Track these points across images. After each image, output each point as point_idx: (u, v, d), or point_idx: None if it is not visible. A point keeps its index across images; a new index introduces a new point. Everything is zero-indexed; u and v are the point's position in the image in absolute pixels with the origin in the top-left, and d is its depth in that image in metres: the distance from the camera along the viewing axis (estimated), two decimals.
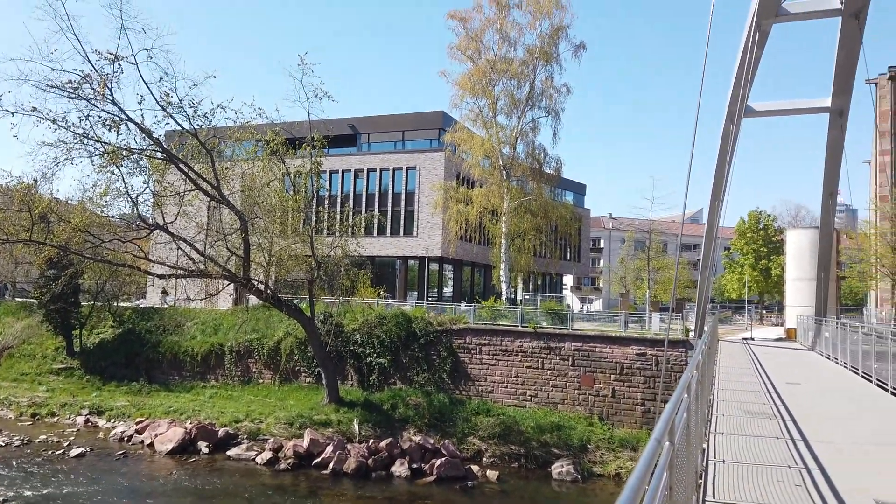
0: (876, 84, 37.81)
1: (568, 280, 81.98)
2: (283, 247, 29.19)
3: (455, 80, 40.21)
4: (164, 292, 44.28)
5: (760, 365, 19.46)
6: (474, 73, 39.25)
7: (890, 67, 37.32)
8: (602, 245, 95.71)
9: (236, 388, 34.07)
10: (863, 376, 16.30)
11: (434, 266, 46.95)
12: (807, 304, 31.10)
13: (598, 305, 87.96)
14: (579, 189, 69.43)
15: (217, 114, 25.05)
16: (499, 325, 31.92)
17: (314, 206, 40.12)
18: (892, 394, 13.40)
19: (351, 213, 35.36)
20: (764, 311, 70.08)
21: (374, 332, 32.10)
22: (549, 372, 29.96)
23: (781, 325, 42.18)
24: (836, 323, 21.52)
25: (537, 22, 39.16)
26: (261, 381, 34.48)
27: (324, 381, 30.16)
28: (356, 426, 27.64)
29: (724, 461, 7.61)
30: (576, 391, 29.30)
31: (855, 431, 9.92)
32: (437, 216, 42.96)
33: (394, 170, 46.41)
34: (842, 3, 15.91)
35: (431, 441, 26.66)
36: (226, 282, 29.07)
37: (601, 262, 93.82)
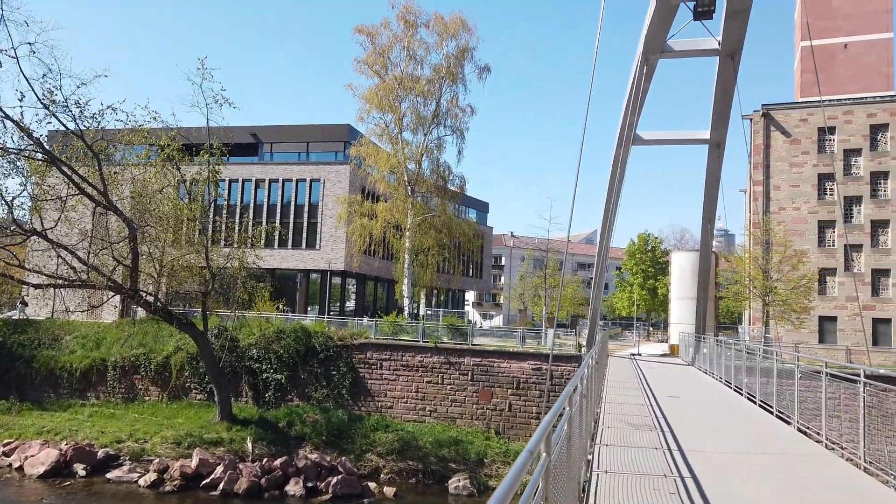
0: (751, 120, 41.25)
1: (470, 296, 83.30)
2: (176, 257, 27.86)
3: (362, 94, 40.27)
4: (23, 303, 40.65)
5: (645, 379, 20.55)
6: (381, 88, 39.42)
7: (763, 105, 40.82)
8: (503, 262, 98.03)
9: (119, 406, 32.05)
10: (735, 390, 17.57)
11: (337, 280, 46.36)
12: (688, 322, 33.23)
13: (498, 321, 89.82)
14: (482, 207, 70.92)
15: (107, 115, 23.70)
16: (400, 340, 31.93)
17: (211, 216, 38.66)
18: (760, 406, 14.53)
19: (251, 224, 34.29)
20: (651, 328, 74.04)
21: (271, 346, 31.23)
22: (448, 387, 30.25)
23: (666, 341, 44.78)
24: (713, 340, 23.13)
25: (444, 42, 39.97)
26: (147, 398, 32.63)
27: (216, 398, 28.96)
28: (249, 444, 26.69)
29: (606, 472, 7.99)
30: (474, 406, 29.73)
31: (725, 442, 10.69)
32: (340, 229, 42.53)
33: (297, 181, 45.58)
34: (719, 44, 17.38)
35: (328, 459, 26.18)
36: (111, 293, 27.39)
37: (502, 278, 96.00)
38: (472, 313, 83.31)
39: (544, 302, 55.24)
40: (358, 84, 41.45)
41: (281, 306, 37.77)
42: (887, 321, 37.36)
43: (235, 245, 30.89)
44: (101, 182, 24.61)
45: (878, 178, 38.61)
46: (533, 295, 65.41)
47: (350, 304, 48.23)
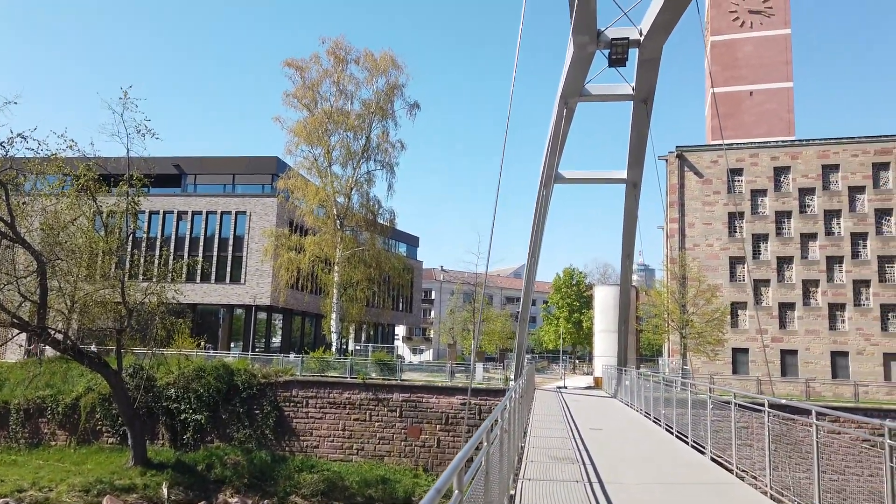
0: (666, 160, 43.44)
1: (400, 330, 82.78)
2: (89, 292, 26.53)
3: (290, 127, 40.05)
4: None
5: (569, 412, 20.92)
6: (311, 121, 39.34)
7: (677, 147, 43.10)
8: (434, 296, 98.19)
9: (22, 451, 29.87)
10: (654, 421, 18.12)
11: (262, 315, 45.24)
12: (611, 355, 34.16)
13: (428, 356, 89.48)
14: (413, 241, 71.17)
15: (17, 143, 22.58)
16: (327, 376, 31.35)
17: (129, 249, 37.09)
18: (677, 436, 15.03)
19: (171, 258, 33.04)
20: (577, 361, 75.56)
21: (190, 385, 29.99)
22: (376, 424, 29.82)
23: (591, 374, 45.81)
24: (634, 372, 23.85)
25: (374, 78, 40.43)
26: (53, 443, 30.58)
27: (129, 441, 27.43)
28: (165, 490, 25.35)
29: None
30: (402, 443, 29.38)
31: (643, 473, 11.00)
32: (266, 263, 41.69)
33: (222, 213, 44.55)
34: (633, 89, 18.41)
35: (250, 502, 25.19)
36: (16, 331, 25.71)
37: (432, 312, 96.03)
38: (402, 348, 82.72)
39: (473, 336, 55.57)
40: (286, 117, 41.26)
41: (202, 343, 36.51)
42: (794, 352, 39.56)
43: (155, 279, 29.72)
44: (8, 213, 23.31)
45: (782, 216, 41.25)
46: (462, 329, 65.68)
47: (276, 340, 47.08)
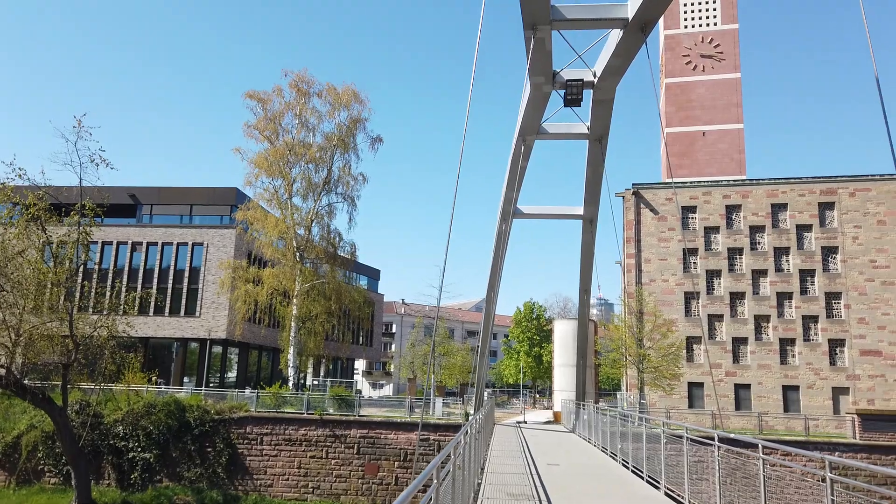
0: (623, 197, 44.47)
1: (360, 365, 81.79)
2: (36, 325, 25.58)
3: (251, 159, 39.83)
4: None
5: (527, 447, 20.86)
6: (272, 153, 39.20)
7: (634, 184, 44.18)
8: (395, 330, 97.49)
9: None
10: (611, 456, 18.20)
11: (218, 349, 44.24)
12: (570, 389, 34.29)
13: (388, 390, 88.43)
14: (374, 274, 70.85)
15: None
16: (283, 412, 30.69)
17: (80, 281, 36.01)
18: (633, 471, 15.11)
19: (124, 290, 32.18)
20: (537, 396, 75.58)
21: (140, 422, 28.99)
22: (333, 461, 29.21)
23: (551, 408, 45.85)
24: (592, 407, 23.97)
25: (336, 112, 40.63)
26: None
27: (73, 482, 26.23)
28: None
29: None
30: (360, 480, 28.81)
31: None
32: (223, 296, 40.93)
33: (178, 245, 43.75)
34: (588, 129, 18.94)
35: None
36: None
37: (393, 346, 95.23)
38: (362, 383, 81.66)
39: (432, 370, 55.20)
40: (247, 148, 41.19)
41: (153, 378, 35.43)
42: (747, 386, 40.34)
43: (106, 312, 28.83)
44: None
45: (734, 253, 42.45)
46: (422, 363, 65.21)
47: (232, 375, 46.01)
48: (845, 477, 7.19)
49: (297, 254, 39.12)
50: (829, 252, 41.10)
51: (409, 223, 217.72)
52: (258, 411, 30.56)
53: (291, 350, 38.56)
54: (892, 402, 37.53)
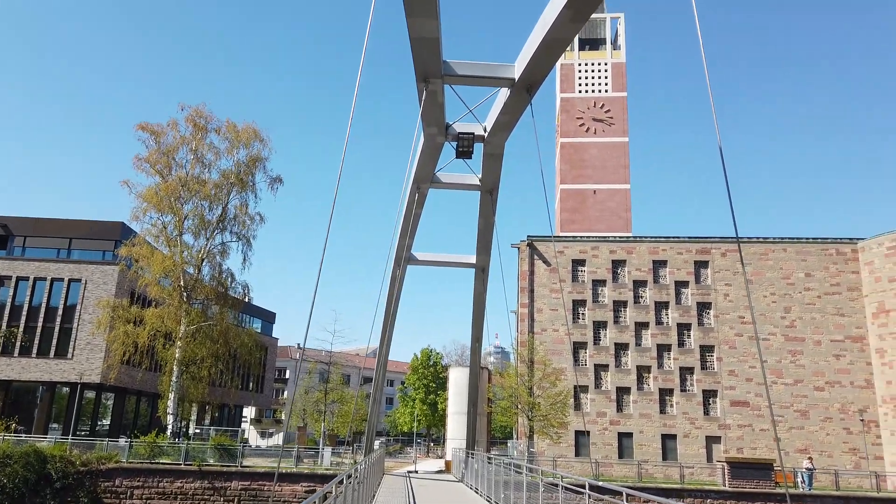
0: (518, 248, 45.95)
1: (249, 412, 78.29)
2: None
3: (140, 193, 38.01)
4: None
5: (413, 498, 20.60)
6: (163, 188, 37.64)
7: (528, 236, 45.80)
8: (288, 375, 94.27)
9: None
10: None
11: (91, 394, 41.13)
12: (463, 438, 34.35)
13: (278, 439, 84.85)
14: (269, 317, 68.71)
15: None
16: (158, 463, 28.79)
17: None
18: None
19: None
20: (431, 444, 74.99)
21: None
22: None
23: (444, 457, 45.60)
24: (481, 455, 24.08)
25: (235, 149, 39.74)
26: None
27: None
28: None
29: None
30: None
31: None
32: (99, 336, 38.29)
33: (53, 280, 40.79)
34: (479, 180, 19.63)
35: None
36: None
37: (286, 393, 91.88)
38: (249, 431, 78.07)
39: (324, 418, 53.69)
40: (136, 181, 39.24)
41: (13, 426, 32.43)
42: (629, 435, 41.97)
43: None
44: None
45: (619, 306, 44.63)
46: (314, 410, 63.26)
47: (106, 423, 42.78)
48: None
49: (185, 293, 37.38)
50: (703, 307, 44.03)
51: (309, 265, 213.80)
52: (130, 462, 28.48)
53: (172, 396, 36.37)
54: (758, 451, 40.12)
